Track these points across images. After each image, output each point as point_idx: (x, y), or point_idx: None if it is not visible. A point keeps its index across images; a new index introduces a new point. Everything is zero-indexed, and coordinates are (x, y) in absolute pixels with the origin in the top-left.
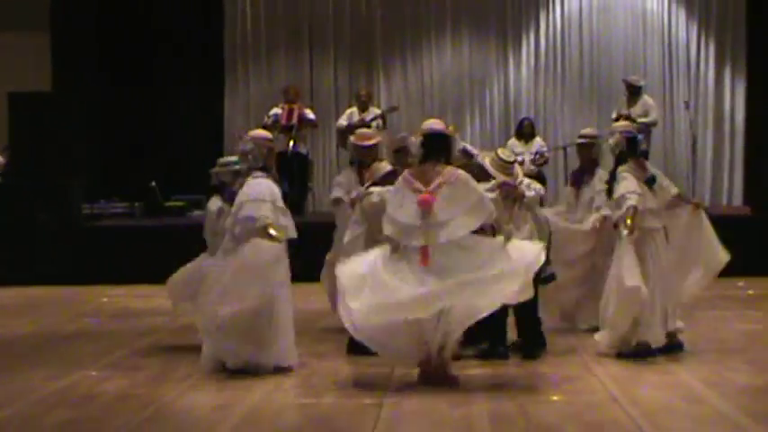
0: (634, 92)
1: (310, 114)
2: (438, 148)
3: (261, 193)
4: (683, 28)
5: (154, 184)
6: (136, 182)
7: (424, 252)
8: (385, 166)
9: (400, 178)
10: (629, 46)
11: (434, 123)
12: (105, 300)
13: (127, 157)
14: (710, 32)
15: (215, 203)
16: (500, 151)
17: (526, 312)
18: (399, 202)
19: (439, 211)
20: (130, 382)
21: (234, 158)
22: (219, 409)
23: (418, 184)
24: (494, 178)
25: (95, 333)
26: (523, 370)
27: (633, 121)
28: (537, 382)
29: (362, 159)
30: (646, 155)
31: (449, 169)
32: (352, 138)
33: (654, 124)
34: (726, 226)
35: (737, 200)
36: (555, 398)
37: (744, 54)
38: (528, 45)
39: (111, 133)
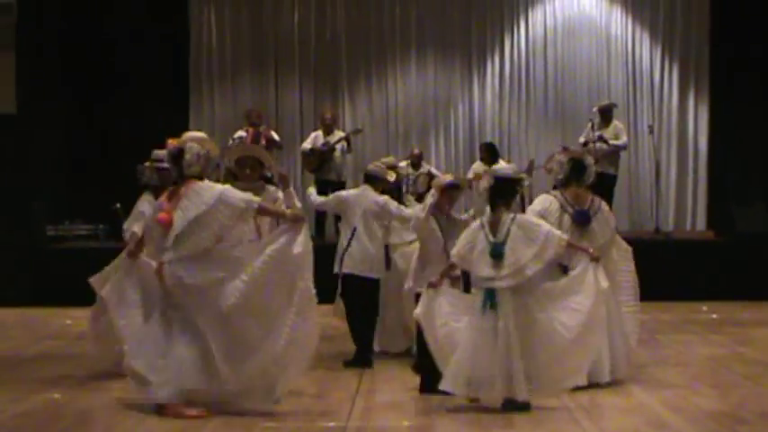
0: (607, 114)
1: (275, 136)
2: None
3: None
4: (646, 52)
5: (118, 205)
6: (100, 204)
7: None
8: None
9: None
10: (593, 70)
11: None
12: (69, 322)
13: (91, 178)
14: (674, 57)
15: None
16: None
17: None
18: None
19: None
20: (93, 405)
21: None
22: None
23: None
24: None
25: (58, 355)
26: None
27: (605, 141)
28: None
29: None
30: (611, 182)
31: None
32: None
33: (624, 147)
34: (689, 250)
35: (701, 224)
36: (521, 423)
37: (707, 78)
38: (493, 68)
39: (76, 155)
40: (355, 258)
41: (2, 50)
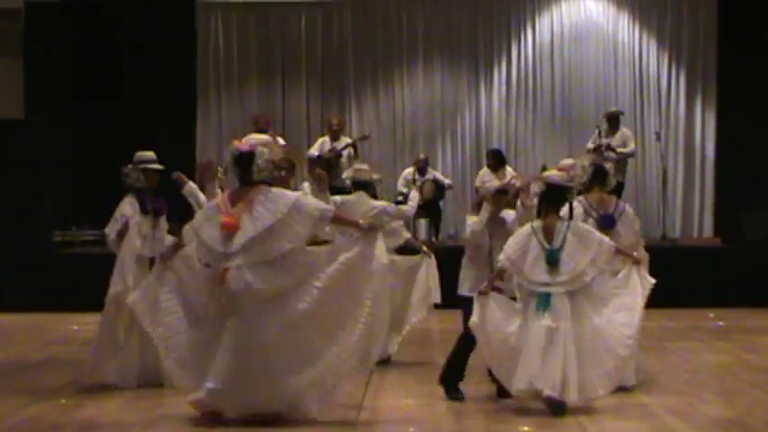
0: (615, 122)
1: (282, 141)
2: None
3: None
4: (653, 59)
5: None
6: (107, 209)
7: None
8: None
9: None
10: (600, 77)
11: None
12: (75, 327)
13: (98, 183)
14: (681, 63)
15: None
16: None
17: None
18: None
19: None
20: (99, 410)
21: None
22: None
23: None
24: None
25: (65, 361)
26: (494, 400)
27: (613, 150)
28: (507, 412)
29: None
30: (618, 189)
31: None
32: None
33: (633, 155)
34: (696, 257)
35: (708, 231)
36: (525, 428)
37: (714, 85)
38: (499, 75)
39: (83, 160)
40: None
41: (10, 57)
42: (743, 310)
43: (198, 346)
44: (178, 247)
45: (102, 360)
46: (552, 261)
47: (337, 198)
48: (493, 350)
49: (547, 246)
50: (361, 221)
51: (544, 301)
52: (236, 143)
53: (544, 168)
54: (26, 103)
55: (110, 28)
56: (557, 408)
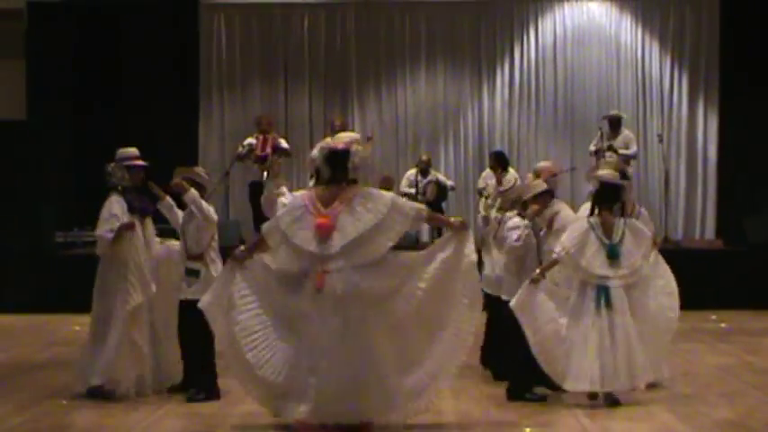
0: (616, 124)
1: (283, 143)
2: None
3: None
4: (656, 61)
5: None
6: None
7: None
8: None
9: None
10: (602, 79)
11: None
12: (77, 328)
13: (101, 185)
14: (684, 65)
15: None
16: None
17: None
18: None
19: None
20: (101, 411)
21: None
22: None
23: None
24: None
25: (67, 362)
26: (499, 402)
27: (615, 151)
28: (511, 414)
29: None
30: None
31: None
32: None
33: (635, 157)
34: (698, 259)
35: (710, 233)
36: (527, 430)
37: (717, 87)
38: (502, 77)
39: (85, 161)
40: None
41: (12, 58)
42: (745, 312)
43: (285, 351)
44: (254, 250)
45: (120, 370)
46: (613, 255)
47: None
48: (544, 342)
49: (606, 241)
50: (452, 219)
51: (604, 295)
52: (328, 140)
53: (537, 174)
54: (28, 104)
55: (112, 28)
56: (613, 402)
